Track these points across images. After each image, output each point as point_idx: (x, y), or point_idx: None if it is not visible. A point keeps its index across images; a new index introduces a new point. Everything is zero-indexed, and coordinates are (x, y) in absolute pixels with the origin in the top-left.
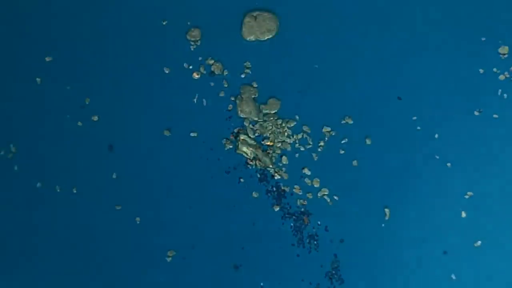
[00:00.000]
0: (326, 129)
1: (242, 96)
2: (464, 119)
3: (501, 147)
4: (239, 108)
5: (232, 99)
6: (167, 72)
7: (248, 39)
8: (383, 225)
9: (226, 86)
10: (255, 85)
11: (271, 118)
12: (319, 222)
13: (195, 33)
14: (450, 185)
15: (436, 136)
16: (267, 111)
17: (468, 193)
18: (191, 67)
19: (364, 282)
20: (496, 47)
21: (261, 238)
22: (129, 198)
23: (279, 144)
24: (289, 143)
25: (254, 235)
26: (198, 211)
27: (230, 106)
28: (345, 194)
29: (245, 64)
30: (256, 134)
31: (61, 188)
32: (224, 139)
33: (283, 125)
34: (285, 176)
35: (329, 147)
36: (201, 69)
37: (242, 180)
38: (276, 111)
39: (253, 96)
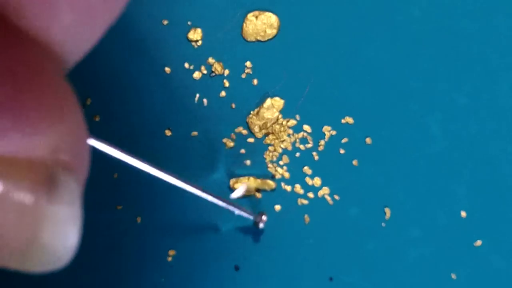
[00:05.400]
0: (326, 128)
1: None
2: (464, 119)
3: (502, 147)
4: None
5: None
6: (168, 72)
7: (248, 39)
8: (383, 225)
9: (226, 86)
10: (255, 85)
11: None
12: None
13: (196, 33)
14: (450, 185)
15: (436, 136)
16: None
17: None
18: (192, 67)
19: (364, 282)
20: (496, 48)
21: (262, 238)
22: (129, 198)
23: (280, 144)
24: (290, 143)
25: (255, 236)
26: (198, 211)
27: (232, 105)
28: (345, 194)
29: (245, 64)
30: (256, 134)
31: None
32: (225, 139)
33: (284, 124)
34: (286, 175)
35: (330, 146)
36: (202, 69)
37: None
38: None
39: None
